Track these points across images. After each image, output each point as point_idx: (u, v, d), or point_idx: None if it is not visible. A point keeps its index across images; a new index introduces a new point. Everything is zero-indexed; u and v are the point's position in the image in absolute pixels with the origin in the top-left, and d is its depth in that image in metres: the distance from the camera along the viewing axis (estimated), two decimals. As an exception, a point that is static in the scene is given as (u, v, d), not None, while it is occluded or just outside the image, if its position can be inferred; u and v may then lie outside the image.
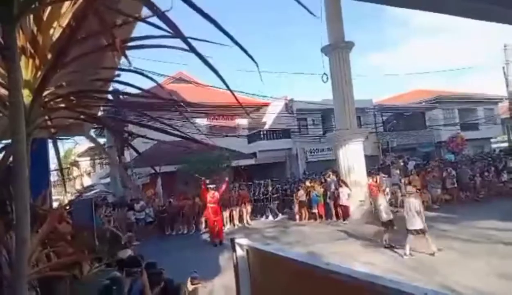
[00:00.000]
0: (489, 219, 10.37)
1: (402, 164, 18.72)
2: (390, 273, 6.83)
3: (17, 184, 0.87)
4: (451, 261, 7.31)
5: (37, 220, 1.35)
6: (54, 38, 1.11)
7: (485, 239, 8.61)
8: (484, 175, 15.98)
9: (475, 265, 6.94)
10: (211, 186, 12.98)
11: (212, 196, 12.31)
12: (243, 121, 24.89)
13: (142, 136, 1.61)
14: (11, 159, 1.42)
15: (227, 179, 14.87)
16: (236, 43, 0.95)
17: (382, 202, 9.38)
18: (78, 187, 35.22)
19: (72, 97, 1.21)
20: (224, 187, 13.05)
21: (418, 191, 14.15)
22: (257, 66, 1.07)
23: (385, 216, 9.13)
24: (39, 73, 1.08)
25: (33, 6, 0.93)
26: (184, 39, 0.94)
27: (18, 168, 0.86)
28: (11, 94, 0.88)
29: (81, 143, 27.50)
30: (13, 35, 0.87)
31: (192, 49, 0.95)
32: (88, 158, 32.27)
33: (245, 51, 0.96)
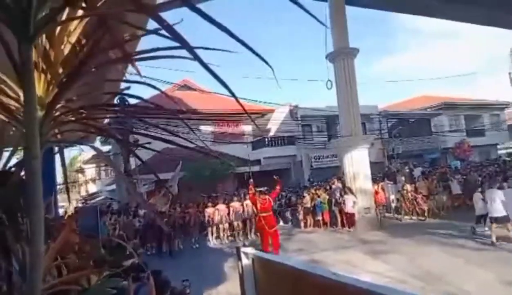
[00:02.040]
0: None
1: (408, 170, 18.62)
2: (395, 282, 6.78)
3: (31, 199, 0.89)
4: (457, 269, 7.23)
5: (50, 232, 1.37)
6: (65, 53, 1.15)
7: (492, 247, 8.53)
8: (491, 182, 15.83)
9: (480, 272, 6.87)
10: (262, 189, 11.13)
11: (264, 201, 9.97)
12: (247, 128, 24.96)
13: (147, 147, 1.63)
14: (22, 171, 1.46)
15: (279, 181, 12.88)
16: (249, 48, 0.96)
17: (499, 196, 9.11)
18: (83, 193, 35.44)
19: (82, 111, 1.24)
20: (278, 188, 11.03)
21: (424, 197, 14.10)
22: (273, 70, 1.09)
23: (499, 207, 8.95)
24: (51, 87, 1.11)
25: (48, 25, 0.96)
26: (192, 51, 0.96)
27: (32, 182, 0.89)
28: (26, 111, 0.91)
29: (86, 151, 27.70)
30: (29, 53, 0.90)
31: (200, 61, 0.97)
32: (94, 165, 32.46)
33: (259, 56, 0.97)
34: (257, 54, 0.99)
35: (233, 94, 1.11)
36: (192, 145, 1.61)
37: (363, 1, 15.71)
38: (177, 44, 1.03)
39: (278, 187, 10.97)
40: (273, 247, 9.69)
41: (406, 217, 14.16)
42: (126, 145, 2.24)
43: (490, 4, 15.64)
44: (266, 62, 1.04)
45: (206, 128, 21.76)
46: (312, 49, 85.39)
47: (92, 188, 35.45)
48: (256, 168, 22.10)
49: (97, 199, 26.37)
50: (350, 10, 14.74)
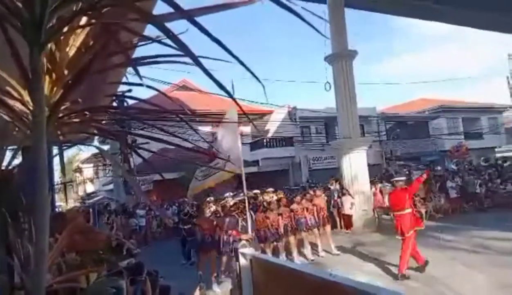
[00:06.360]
0: (493, 229, 10.30)
1: (407, 172, 18.64)
2: (391, 283, 6.81)
3: (37, 198, 0.91)
4: (453, 272, 7.25)
5: (51, 230, 1.40)
6: (70, 56, 1.17)
7: (488, 250, 8.55)
8: (488, 185, 15.90)
9: (476, 276, 6.89)
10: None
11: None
12: (246, 129, 24.96)
13: (145, 149, 1.66)
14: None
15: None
16: (243, 65, 0.99)
17: None
18: (81, 193, 35.35)
19: (85, 112, 1.26)
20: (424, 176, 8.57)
21: (422, 200, 14.12)
22: (263, 87, 1.12)
23: None
24: (55, 89, 1.14)
25: (59, 32, 1.00)
26: (195, 59, 0.98)
27: (38, 182, 0.91)
28: (35, 112, 0.93)
29: (84, 150, 27.64)
30: (39, 58, 0.93)
31: (202, 69, 1.00)
32: (92, 165, 32.41)
33: (253, 74, 1.00)
34: (249, 70, 1.02)
35: (232, 98, 1.14)
36: (190, 146, 1.63)
37: (362, 3, 15.77)
38: (178, 51, 1.06)
39: (425, 176, 8.77)
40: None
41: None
42: (126, 145, 2.26)
43: (490, 8, 15.71)
44: (257, 79, 1.06)
45: (204, 128, 21.73)
46: (313, 50, 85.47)
47: (90, 188, 35.36)
48: (254, 169, 22.10)
49: (95, 198, 26.33)
50: (352, 12, 14.81)
